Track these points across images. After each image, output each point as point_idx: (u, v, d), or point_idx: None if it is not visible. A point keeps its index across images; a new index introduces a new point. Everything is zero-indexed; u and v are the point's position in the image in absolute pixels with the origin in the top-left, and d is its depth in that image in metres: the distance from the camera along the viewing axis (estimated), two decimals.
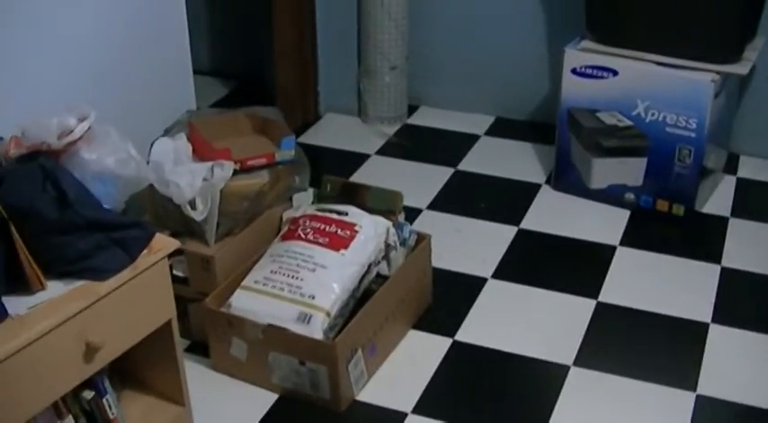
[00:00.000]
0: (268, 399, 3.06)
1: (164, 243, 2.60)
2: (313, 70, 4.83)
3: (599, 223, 3.94)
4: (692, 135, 3.80)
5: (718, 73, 3.77)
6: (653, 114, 3.84)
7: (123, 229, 2.52)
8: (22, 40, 2.99)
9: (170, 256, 2.70)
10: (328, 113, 4.89)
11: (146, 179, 2.77)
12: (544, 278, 3.61)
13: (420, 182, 4.23)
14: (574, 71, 3.94)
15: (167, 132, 3.29)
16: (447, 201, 4.11)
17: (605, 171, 4.01)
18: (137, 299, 2.53)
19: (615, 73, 3.87)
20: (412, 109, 4.86)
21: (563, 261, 3.75)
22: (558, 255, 3.78)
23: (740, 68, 3.83)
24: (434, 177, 4.28)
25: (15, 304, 2.34)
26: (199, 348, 3.21)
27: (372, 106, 4.73)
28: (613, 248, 3.78)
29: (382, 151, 4.53)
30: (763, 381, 3.13)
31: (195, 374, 3.05)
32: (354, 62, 4.74)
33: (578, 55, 3.93)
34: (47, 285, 2.41)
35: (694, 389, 3.08)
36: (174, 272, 3.08)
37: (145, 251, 2.54)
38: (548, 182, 4.23)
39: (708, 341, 3.30)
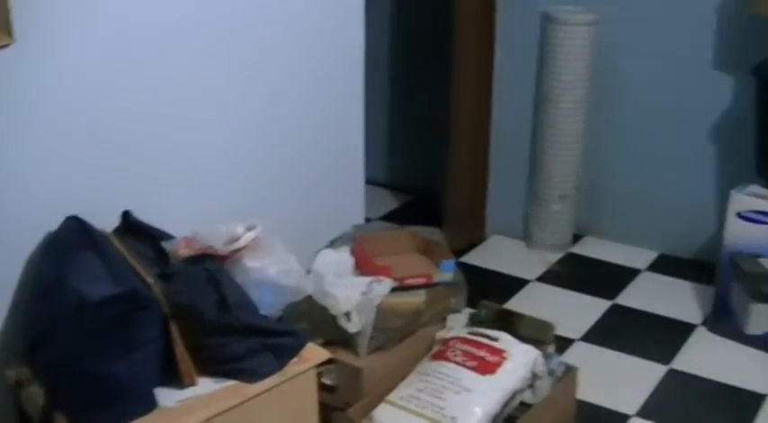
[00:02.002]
0: None
1: (314, 353, 2.70)
2: (483, 192, 4.93)
3: (753, 369, 3.89)
4: None
5: None
6: None
7: (277, 336, 2.64)
8: (199, 149, 3.16)
9: (321, 364, 2.80)
10: (494, 235, 4.97)
11: (305, 290, 2.89)
12: (688, 420, 3.58)
13: (576, 312, 4.26)
14: (739, 215, 3.95)
15: (332, 244, 3.41)
16: (601, 333, 4.13)
17: (764, 317, 3.99)
18: (282, 404, 2.62)
19: None
20: (577, 237, 4.90)
21: (711, 405, 3.71)
22: (709, 399, 3.74)
23: None
24: (591, 309, 4.30)
25: (166, 396, 2.47)
26: None
27: (538, 232, 4.80)
28: (763, 397, 3.73)
29: (543, 278, 4.57)
30: None
31: None
32: (524, 188, 4.82)
33: (745, 199, 3.93)
34: (198, 382, 2.53)
35: None
36: (323, 380, 3.17)
37: (295, 359, 2.64)
38: (704, 323, 4.21)
39: None
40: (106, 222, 2.76)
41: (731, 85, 4.35)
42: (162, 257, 2.70)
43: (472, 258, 4.73)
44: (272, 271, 2.74)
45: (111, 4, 2.74)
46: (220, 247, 2.68)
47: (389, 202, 5.32)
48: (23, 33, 2.49)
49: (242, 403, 2.50)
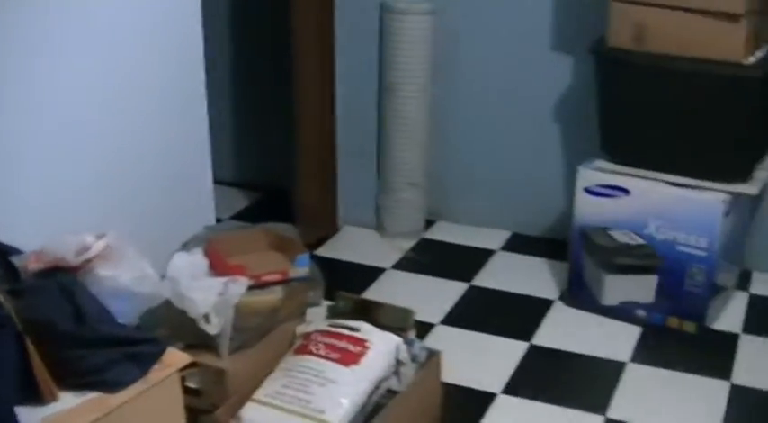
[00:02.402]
0: None
1: (176, 358, 2.67)
2: (333, 184, 4.92)
3: (610, 339, 3.98)
4: (704, 254, 3.86)
5: (728, 193, 3.84)
6: (664, 233, 3.91)
7: (136, 344, 2.60)
8: (43, 159, 3.09)
9: (184, 368, 2.77)
10: (346, 226, 4.96)
11: (161, 296, 2.85)
12: (553, 394, 3.63)
13: (434, 296, 4.28)
14: (587, 190, 4.02)
15: (185, 247, 3.37)
16: (460, 316, 4.16)
17: (617, 288, 4.07)
18: (148, 411, 2.58)
19: (627, 192, 3.94)
20: (429, 223, 4.93)
21: (573, 376, 3.79)
22: (568, 370, 3.82)
23: (750, 188, 3.90)
24: (449, 292, 4.34)
25: (28, 415, 2.40)
26: None
27: (390, 221, 4.81)
28: (623, 364, 3.81)
29: (398, 265, 4.59)
30: None
31: None
32: (374, 177, 4.83)
33: (591, 174, 4.00)
34: (59, 397, 2.47)
35: None
36: (188, 384, 3.13)
37: (157, 365, 2.61)
38: (560, 298, 4.27)
39: None
40: None
41: (572, 63, 4.43)
42: (11, 273, 2.64)
43: (326, 251, 4.72)
44: (126, 279, 2.69)
45: None
46: (71, 259, 2.62)
47: (240, 201, 5.28)
48: None
49: (106, 414, 2.45)
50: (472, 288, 4.39)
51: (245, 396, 3.15)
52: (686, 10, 3.75)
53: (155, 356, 2.63)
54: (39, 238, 2.71)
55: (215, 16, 4.60)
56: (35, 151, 3.06)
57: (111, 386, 2.52)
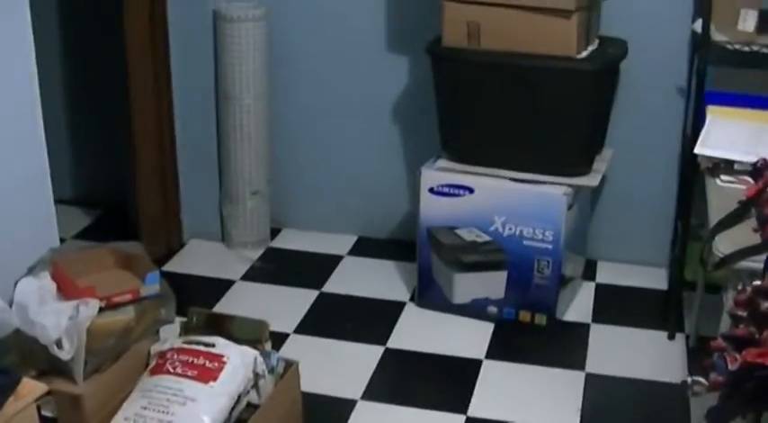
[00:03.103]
0: None
1: (30, 388, 2.60)
2: (175, 197, 4.85)
3: (464, 338, 4.01)
4: (549, 246, 3.93)
5: (569, 186, 3.91)
6: (510, 229, 3.95)
7: None
8: None
9: (39, 398, 2.69)
10: (192, 240, 4.90)
11: (9, 325, 2.77)
12: (413, 396, 3.65)
13: (286, 306, 4.26)
14: (431, 190, 4.04)
15: (30, 271, 3.28)
16: (313, 324, 4.14)
17: (467, 286, 4.10)
18: None
19: (471, 190, 3.98)
20: (275, 232, 4.90)
21: (431, 378, 3.81)
22: (426, 371, 3.84)
23: (590, 180, 3.98)
24: (300, 300, 4.32)
25: None
26: None
27: (235, 231, 4.77)
28: (479, 362, 3.84)
29: (247, 276, 4.55)
30: None
31: None
32: (216, 187, 4.77)
33: (434, 174, 4.03)
34: None
35: None
36: (43, 412, 3.06)
37: (11, 398, 2.53)
38: (411, 299, 4.29)
39: None
40: None
41: (409, 64, 4.46)
42: None
43: (174, 266, 4.66)
44: None
45: None
46: None
47: (82, 220, 5.16)
48: None
49: None
50: (323, 295, 4.37)
51: (104, 421, 3.08)
52: (518, 8, 3.81)
53: (9, 388, 2.56)
54: None
55: (46, 29, 4.49)
56: None
57: None
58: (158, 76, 4.59)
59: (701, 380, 2.10)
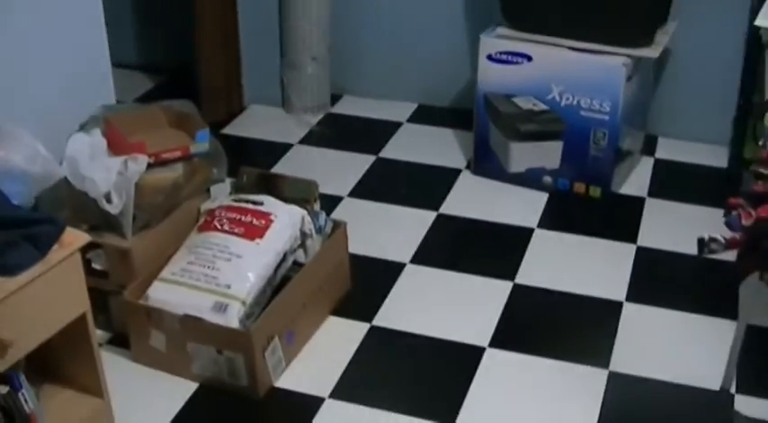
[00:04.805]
0: (188, 388, 3.09)
1: (75, 237, 2.62)
2: (236, 62, 4.85)
3: (518, 206, 4.00)
4: (606, 118, 3.88)
5: (629, 56, 3.84)
6: (567, 98, 3.91)
7: (33, 226, 2.55)
8: None
9: (89, 249, 2.74)
10: (252, 105, 4.91)
11: (56, 175, 2.80)
12: (462, 262, 3.66)
13: (342, 170, 4.27)
14: (489, 58, 4.00)
15: (82, 128, 3.31)
16: (368, 188, 4.16)
17: (523, 155, 4.08)
18: (49, 293, 2.55)
19: (530, 58, 3.93)
20: (335, 98, 4.89)
21: (481, 245, 3.81)
22: (477, 238, 3.84)
23: (651, 52, 3.91)
24: (356, 165, 4.33)
25: None
26: (120, 341, 3.23)
27: (295, 96, 4.76)
28: (531, 230, 3.83)
29: (305, 140, 4.56)
30: (675, 356, 3.20)
31: (116, 367, 3.09)
32: (277, 53, 4.76)
33: (493, 42, 3.98)
34: None
35: (607, 366, 3.15)
36: (94, 265, 3.11)
37: (56, 246, 2.56)
38: (468, 167, 4.28)
39: (622, 319, 3.36)
40: None
41: None
42: None
43: (233, 129, 4.68)
44: (18, 159, 2.64)
45: None
46: None
47: (144, 84, 5.19)
48: None
49: (6, 298, 2.42)
50: (379, 160, 4.38)
51: (152, 275, 3.13)
52: None
53: (53, 237, 2.58)
54: None
55: None
56: None
57: (10, 269, 2.48)
58: None
59: (718, 237, 2.06)
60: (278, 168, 4.25)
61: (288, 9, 4.59)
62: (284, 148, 4.49)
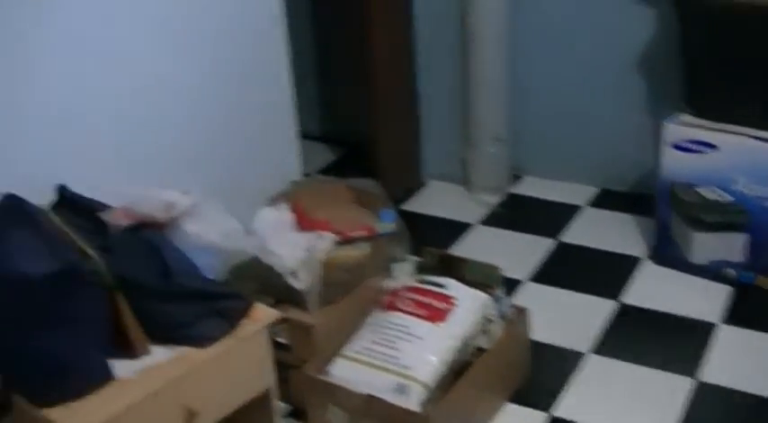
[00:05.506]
0: None
1: (264, 313, 2.68)
2: (416, 138, 4.89)
3: (699, 299, 3.91)
4: None
5: None
6: (754, 190, 3.82)
7: (223, 299, 2.61)
8: (128, 116, 3.11)
9: (273, 323, 2.77)
10: (431, 181, 4.94)
11: (247, 251, 2.86)
12: (642, 354, 3.59)
13: (521, 253, 4.25)
14: (673, 145, 3.94)
15: (271, 202, 3.37)
16: (547, 272, 4.12)
17: (706, 246, 4.00)
18: (236, 366, 2.61)
19: (715, 147, 3.86)
20: (515, 178, 4.88)
21: (662, 337, 3.72)
22: (657, 330, 3.76)
23: None
24: (536, 248, 4.29)
25: (121, 367, 2.46)
26: (298, 414, 3.25)
27: (475, 175, 4.77)
28: (714, 325, 3.75)
29: (484, 221, 4.56)
30: None
31: None
32: (458, 131, 4.78)
33: (678, 129, 3.93)
34: (150, 351, 2.50)
35: None
36: (277, 339, 3.15)
37: (245, 320, 2.61)
38: (648, 255, 4.21)
39: None
40: (41, 198, 2.71)
41: (657, 11, 4.33)
42: (100, 228, 2.65)
43: (411, 205, 4.70)
44: (213, 234, 2.70)
45: None
46: (159, 215, 2.63)
47: (326, 156, 5.26)
48: None
49: (198, 368, 2.48)
50: (559, 244, 4.34)
51: (332, 351, 3.15)
52: None
53: (242, 311, 2.65)
54: (123, 194, 2.73)
55: None
56: (123, 108, 3.08)
57: (200, 341, 2.55)
58: (399, 11, 4.59)
59: None
60: (456, 248, 4.25)
61: (470, 88, 4.61)
62: (463, 227, 4.49)
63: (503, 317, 3.28)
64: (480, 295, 3.21)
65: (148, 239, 2.57)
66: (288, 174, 3.80)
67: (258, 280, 3.15)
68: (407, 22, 4.65)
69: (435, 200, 4.79)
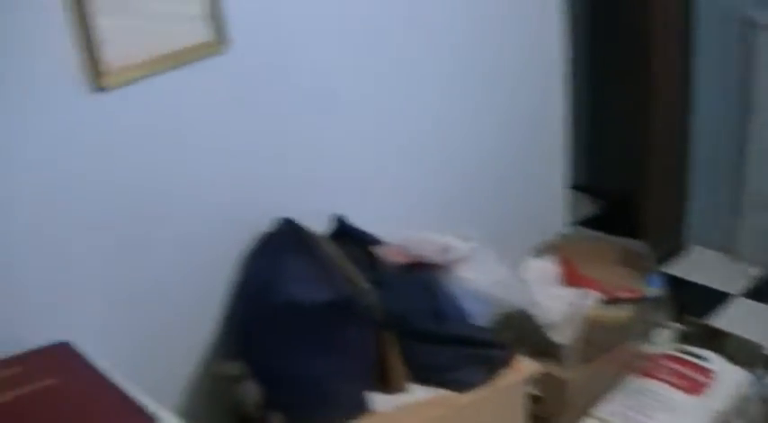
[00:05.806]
0: None
1: (524, 365, 2.68)
2: (683, 200, 4.82)
3: None
4: None
5: None
6: None
7: (488, 347, 2.63)
8: (400, 157, 3.17)
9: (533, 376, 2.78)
10: (695, 246, 4.84)
11: (516, 302, 2.86)
12: None
13: None
14: None
15: (538, 253, 3.37)
16: None
17: None
18: (491, 414, 2.62)
19: None
20: None
21: None
22: None
23: None
24: None
25: (378, 401, 2.49)
26: None
27: (741, 245, 4.66)
28: None
29: (747, 293, 4.44)
30: None
31: None
32: (727, 198, 4.68)
33: None
34: (408, 389, 2.53)
35: None
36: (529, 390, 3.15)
37: (505, 370, 2.62)
38: None
39: None
40: (312, 225, 2.78)
41: None
42: (372, 262, 2.70)
43: (672, 269, 4.62)
44: (487, 282, 2.72)
45: None
46: (436, 257, 2.67)
47: (588, 207, 5.21)
48: None
49: (456, 411, 2.50)
50: None
51: (583, 409, 3.13)
52: None
53: (504, 361, 2.66)
54: (386, 231, 2.81)
55: (572, 15, 4.55)
56: (396, 149, 3.14)
57: (461, 385, 2.57)
58: (679, 76, 4.54)
59: None
60: (715, 318, 4.15)
61: (746, 156, 4.51)
62: (723, 297, 4.39)
63: (762, 399, 3.20)
64: (741, 373, 3.15)
65: (423, 279, 2.61)
66: (552, 224, 3.80)
67: (516, 330, 3.15)
68: (686, 84, 4.59)
69: (697, 266, 4.69)
